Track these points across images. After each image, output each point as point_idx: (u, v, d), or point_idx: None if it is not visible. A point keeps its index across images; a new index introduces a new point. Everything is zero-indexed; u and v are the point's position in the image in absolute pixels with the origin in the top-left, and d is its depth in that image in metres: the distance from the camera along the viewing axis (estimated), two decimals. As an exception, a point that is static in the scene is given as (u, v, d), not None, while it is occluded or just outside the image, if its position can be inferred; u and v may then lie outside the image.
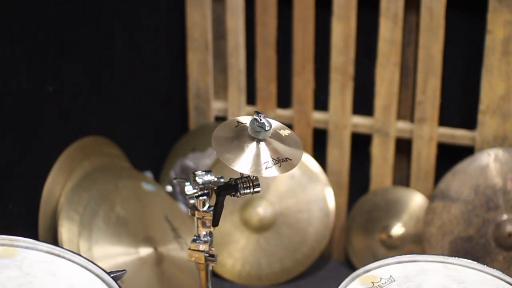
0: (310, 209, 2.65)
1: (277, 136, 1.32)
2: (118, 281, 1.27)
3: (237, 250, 2.65)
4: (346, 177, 2.71)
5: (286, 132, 1.34)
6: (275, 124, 1.34)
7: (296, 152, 1.31)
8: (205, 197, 1.38)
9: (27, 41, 2.06)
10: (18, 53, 2.03)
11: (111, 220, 2.25)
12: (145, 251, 2.31)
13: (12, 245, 1.32)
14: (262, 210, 2.66)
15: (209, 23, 2.73)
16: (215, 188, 1.36)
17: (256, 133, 1.28)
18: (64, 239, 2.14)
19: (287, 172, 1.28)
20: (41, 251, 1.31)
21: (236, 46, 2.70)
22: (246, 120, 1.33)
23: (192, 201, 1.39)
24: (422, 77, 2.52)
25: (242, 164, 1.26)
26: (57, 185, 2.21)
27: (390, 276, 1.36)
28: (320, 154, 2.71)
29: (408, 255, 1.43)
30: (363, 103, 2.64)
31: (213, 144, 1.28)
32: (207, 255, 1.43)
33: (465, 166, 2.46)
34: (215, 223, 1.37)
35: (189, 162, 2.72)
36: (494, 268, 1.39)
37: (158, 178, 2.79)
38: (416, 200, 2.62)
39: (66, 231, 2.15)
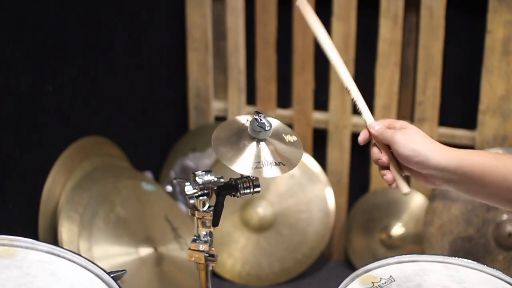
0: (310, 209, 2.65)
1: (279, 139, 1.32)
2: (118, 281, 1.27)
3: (237, 250, 2.65)
4: (346, 177, 2.71)
5: (292, 138, 1.34)
6: (281, 128, 1.35)
7: (294, 157, 1.31)
8: (205, 197, 1.38)
9: (27, 42, 2.06)
10: (18, 54, 2.03)
11: (111, 220, 2.25)
12: (145, 251, 2.31)
13: (12, 245, 1.32)
14: (262, 210, 2.66)
15: (209, 23, 2.73)
16: (215, 188, 1.36)
17: (256, 133, 1.28)
18: (64, 239, 2.14)
19: (285, 173, 1.28)
20: (41, 251, 1.31)
21: (236, 46, 2.70)
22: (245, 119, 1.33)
23: (192, 201, 1.39)
24: (422, 77, 2.52)
25: (240, 163, 1.26)
26: (57, 185, 2.21)
27: (390, 276, 1.36)
28: (320, 154, 2.71)
29: (408, 255, 1.42)
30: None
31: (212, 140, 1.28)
32: (207, 255, 1.43)
33: (465, 166, 2.45)
34: (215, 223, 1.37)
35: (189, 162, 2.72)
36: (494, 268, 1.39)
37: (158, 178, 2.79)
38: (416, 200, 2.62)
39: (66, 231, 2.15)
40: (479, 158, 1.21)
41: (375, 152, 1.30)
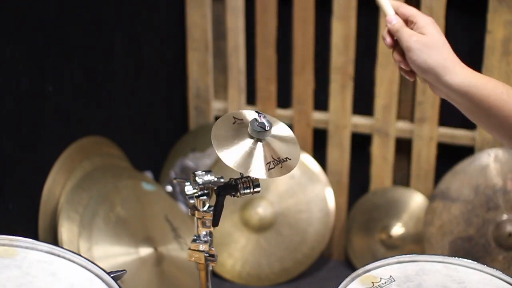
0: (310, 209, 2.65)
1: (275, 136, 1.32)
2: (118, 281, 1.27)
3: (237, 250, 2.65)
4: (346, 177, 2.71)
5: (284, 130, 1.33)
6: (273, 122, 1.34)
7: (294, 151, 1.31)
8: (205, 197, 1.37)
9: (27, 42, 2.06)
10: (18, 54, 2.03)
11: (111, 220, 2.25)
12: (145, 251, 2.31)
13: (12, 245, 1.31)
14: (262, 210, 2.65)
15: (209, 23, 2.73)
16: (215, 188, 1.36)
17: (257, 133, 1.28)
18: (64, 239, 2.14)
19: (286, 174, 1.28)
20: (41, 251, 1.31)
21: (236, 46, 2.70)
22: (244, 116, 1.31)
23: (192, 201, 1.39)
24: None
25: (242, 165, 1.26)
26: (57, 185, 2.21)
27: (390, 276, 1.36)
28: (320, 154, 2.71)
29: (408, 255, 1.42)
30: (363, 103, 2.64)
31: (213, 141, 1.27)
32: (207, 255, 1.43)
33: (465, 166, 2.46)
34: (215, 223, 1.37)
35: (189, 162, 2.72)
36: (494, 268, 1.38)
37: (158, 178, 2.79)
38: (416, 200, 2.62)
39: (66, 231, 2.15)
40: (491, 89, 1.14)
41: (396, 56, 1.23)
